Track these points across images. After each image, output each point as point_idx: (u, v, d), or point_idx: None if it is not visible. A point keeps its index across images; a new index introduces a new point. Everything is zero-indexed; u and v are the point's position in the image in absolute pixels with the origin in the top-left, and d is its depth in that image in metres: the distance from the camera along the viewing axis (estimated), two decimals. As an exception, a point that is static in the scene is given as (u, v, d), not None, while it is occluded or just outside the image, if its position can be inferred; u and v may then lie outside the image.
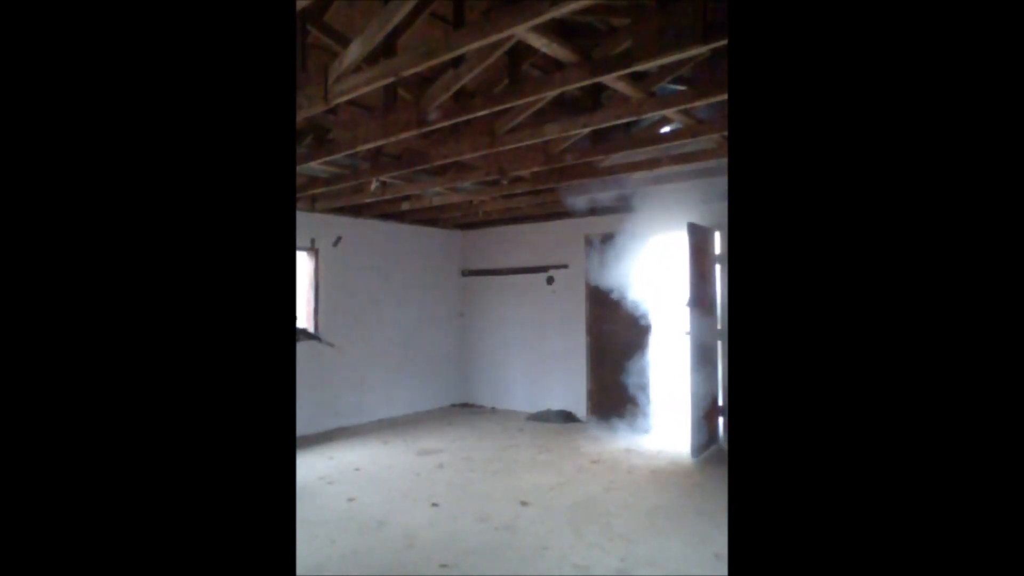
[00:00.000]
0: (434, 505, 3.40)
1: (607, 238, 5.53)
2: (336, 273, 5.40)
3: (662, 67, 2.43)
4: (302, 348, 4.99)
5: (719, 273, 4.74)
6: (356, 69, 2.26)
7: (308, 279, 5.27)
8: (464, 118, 2.63)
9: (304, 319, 5.24)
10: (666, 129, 3.31)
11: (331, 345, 5.16)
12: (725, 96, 2.20)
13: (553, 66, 2.40)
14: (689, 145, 3.33)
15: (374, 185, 4.34)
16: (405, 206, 5.06)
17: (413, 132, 2.68)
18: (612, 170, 3.81)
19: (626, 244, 5.46)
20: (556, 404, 5.83)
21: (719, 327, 4.65)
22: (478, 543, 2.87)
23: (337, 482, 3.85)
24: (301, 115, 2.50)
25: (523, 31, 1.84)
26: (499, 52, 2.21)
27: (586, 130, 2.87)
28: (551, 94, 2.42)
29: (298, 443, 4.71)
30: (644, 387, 5.19)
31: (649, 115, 2.61)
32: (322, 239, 5.27)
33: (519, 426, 5.50)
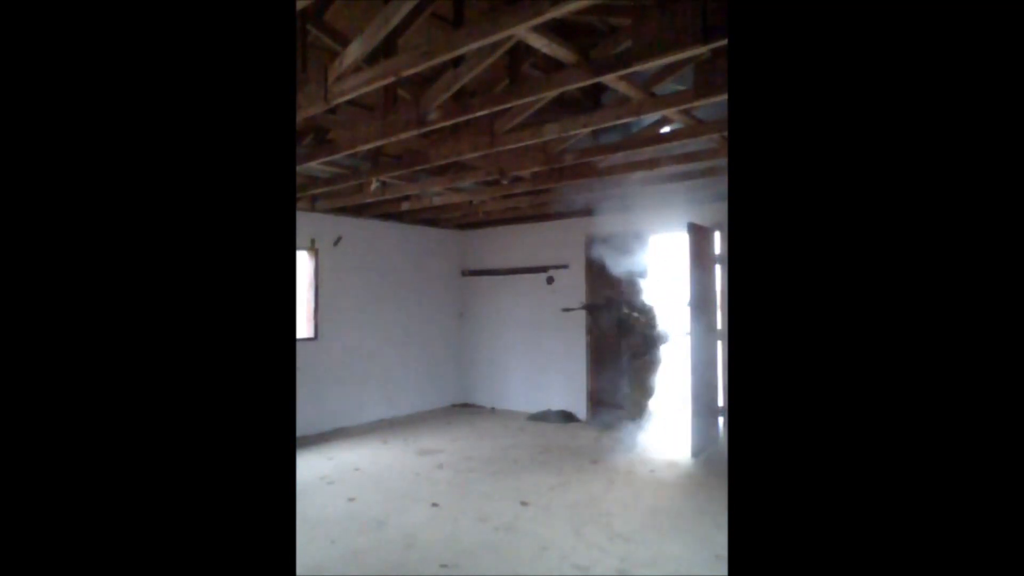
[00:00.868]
0: (434, 505, 3.40)
1: (607, 238, 5.53)
2: (336, 273, 5.40)
3: (663, 67, 2.43)
4: (302, 348, 4.99)
5: (719, 273, 4.74)
6: (356, 69, 2.26)
7: (308, 279, 5.27)
8: (464, 118, 2.63)
9: (304, 319, 5.24)
10: (666, 129, 3.31)
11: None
12: (725, 96, 2.20)
13: (553, 66, 2.40)
14: (689, 145, 3.33)
15: (374, 185, 4.34)
16: (405, 206, 5.06)
17: (413, 132, 2.68)
18: (612, 170, 3.81)
19: (626, 244, 5.46)
20: (556, 404, 5.83)
21: (719, 327, 4.65)
22: (478, 543, 2.87)
23: (337, 482, 3.85)
24: (301, 115, 2.50)
25: (523, 31, 1.84)
26: (499, 52, 2.20)
27: (586, 130, 2.87)
28: (551, 94, 2.42)
29: (298, 443, 4.71)
30: (644, 387, 5.18)
31: (649, 115, 2.61)
32: (322, 239, 5.27)
33: (519, 426, 5.50)
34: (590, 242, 5.66)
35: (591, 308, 5.28)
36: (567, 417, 5.63)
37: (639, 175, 3.96)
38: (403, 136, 2.75)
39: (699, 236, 4.46)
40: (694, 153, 3.42)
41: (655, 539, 2.90)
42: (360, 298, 5.62)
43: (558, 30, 2.09)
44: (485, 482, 3.84)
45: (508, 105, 2.47)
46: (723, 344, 4.65)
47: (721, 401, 4.71)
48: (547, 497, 3.53)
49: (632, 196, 4.66)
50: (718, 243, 4.77)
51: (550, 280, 5.94)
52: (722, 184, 4.14)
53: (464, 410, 6.36)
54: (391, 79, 2.18)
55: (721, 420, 4.72)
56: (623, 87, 2.34)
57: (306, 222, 5.04)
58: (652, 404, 5.13)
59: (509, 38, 1.98)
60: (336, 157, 3.29)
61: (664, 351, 4.99)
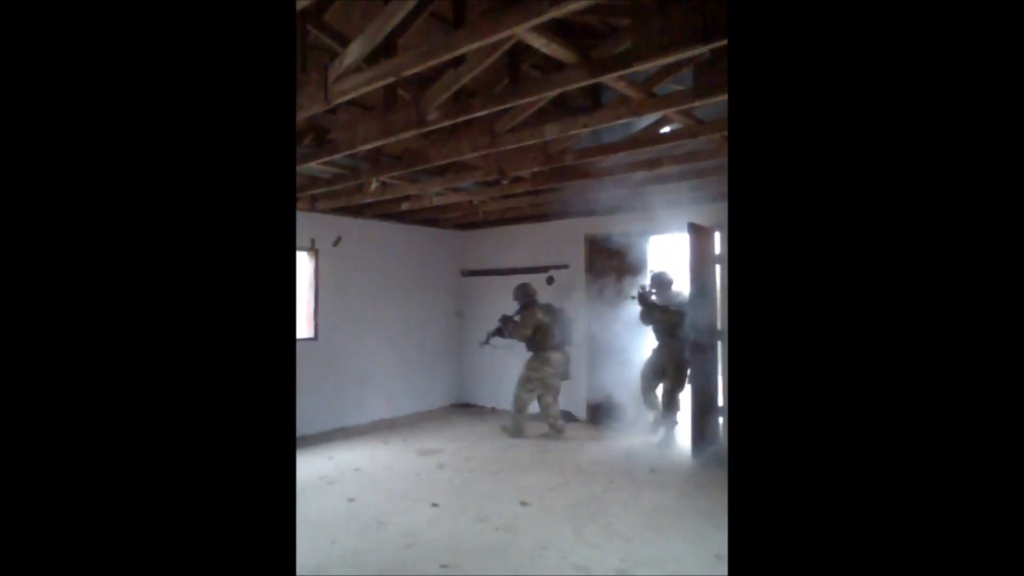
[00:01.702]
0: (434, 505, 3.40)
1: (607, 238, 5.53)
2: (336, 273, 5.40)
3: (662, 67, 2.43)
4: (302, 348, 4.99)
5: (719, 273, 4.73)
6: (356, 69, 2.26)
7: (308, 279, 5.27)
8: (464, 118, 2.62)
9: (304, 319, 5.24)
10: (666, 129, 3.31)
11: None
12: (725, 96, 2.20)
13: (553, 66, 2.40)
14: (689, 145, 3.33)
15: (374, 185, 4.34)
16: (405, 206, 5.05)
17: (413, 132, 2.68)
18: (612, 170, 3.81)
19: (626, 244, 5.46)
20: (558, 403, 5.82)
21: (719, 327, 4.65)
22: (478, 543, 2.87)
23: (337, 482, 3.85)
24: (301, 115, 2.50)
25: (523, 31, 1.84)
26: (499, 52, 2.20)
27: (586, 130, 2.87)
28: (551, 94, 2.42)
29: (298, 443, 4.71)
30: (644, 387, 5.18)
31: (649, 115, 2.61)
32: (322, 239, 5.27)
33: (519, 426, 5.49)
34: (590, 242, 5.66)
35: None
36: (567, 417, 5.62)
37: (639, 175, 3.96)
38: (403, 136, 2.75)
39: (699, 236, 4.46)
40: (694, 153, 3.42)
41: (655, 539, 2.90)
42: (360, 298, 5.62)
43: (558, 30, 2.09)
44: (485, 482, 3.84)
45: (508, 105, 2.47)
46: (723, 344, 4.65)
47: (721, 401, 4.71)
48: (547, 497, 3.53)
49: (632, 196, 4.66)
50: (718, 243, 4.76)
51: (550, 280, 5.93)
52: (722, 184, 4.14)
53: (464, 410, 6.35)
54: (391, 79, 2.18)
55: (721, 420, 4.72)
56: (623, 87, 2.34)
57: (306, 222, 5.04)
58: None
59: (509, 38, 1.98)
60: (336, 157, 3.29)
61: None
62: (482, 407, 6.47)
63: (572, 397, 5.76)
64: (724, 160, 3.38)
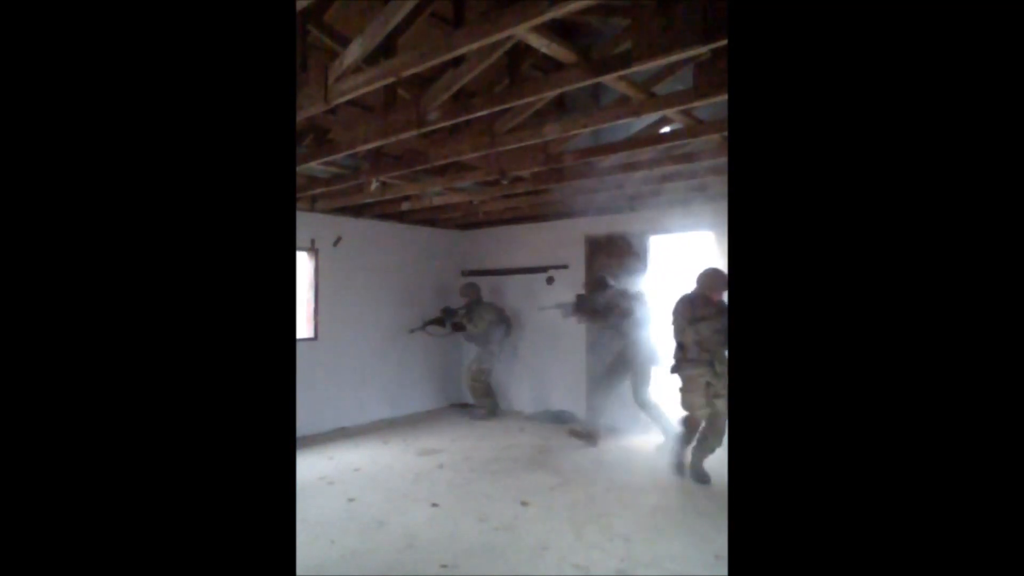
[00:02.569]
0: (434, 505, 3.40)
1: (607, 238, 5.53)
2: (336, 273, 5.40)
3: (663, 67, 2.43)
4: (302, 348, 4.99)
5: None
6: (356, 69, 2.26)
7: (308, 279, 5.26)
8: (464, 118, 2.62)
9: (304, 319, 5.24)
10: (666, 129, 3.31)
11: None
12: (725, 96, 2.20)
13: (553, 66, 2.40)
14: (689, 145, 3.33)
15: (374, 185, 4.34)
16: (405, 206, 5.05)
17: (413, 132, 2.68)
18: (612, 170, 3.81)
19: (626, 244, 5.46)
20: (556, 404, 5.83)
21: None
22: (478, 543, 2.87)
23: (337, 482, 3.85)
24: (301, 115, 2.50)
25: (523, 31, 1.84)
26: (499, 52, 2.20)
27: (586, 130, 2.87)
28: (551, 94, 2.42)
29: (298, 443, 4.71)
30: (644, 387, 5.18)
31: (649, 115, 2.61)
32: (322, 239, 5.27)
33: (519, 426, 5.50)
34: (590, 242, 5.66)
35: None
36: (567, 417, 5.63)
37: (639, 175, 3.96)
38: (403, 136, 2.74)
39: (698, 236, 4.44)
40: (694, 153, 3.42)
41: (655, 539, 2.90)
42: (360, 298, 5.62)
43: (558, 30, 2.09)
44: (485, 482, 3.84)
45: (508, 105, 2.47)
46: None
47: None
48: (547, 497, 3.53)
49: (632, 196, 4.65)
50: (717, 243, 4.76)
51: (550, 280, 5.93)
52: (722, 184, 4.14)
53: (464, 410, 6.35)
54: (391, 79, 2.18)
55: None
56: (623, 87, 2.34)
57: (306, 222, 5.04)
58: (652, 404, 5.11)
59: (509, 38, 1.98)
60: (336, 157, 3.29)
61: (663, 351, 4.94)
62: (482, 407, 6.46)
63: (573, 397, 5.76)
64: (724, 160, 3.38)
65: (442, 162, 3.35)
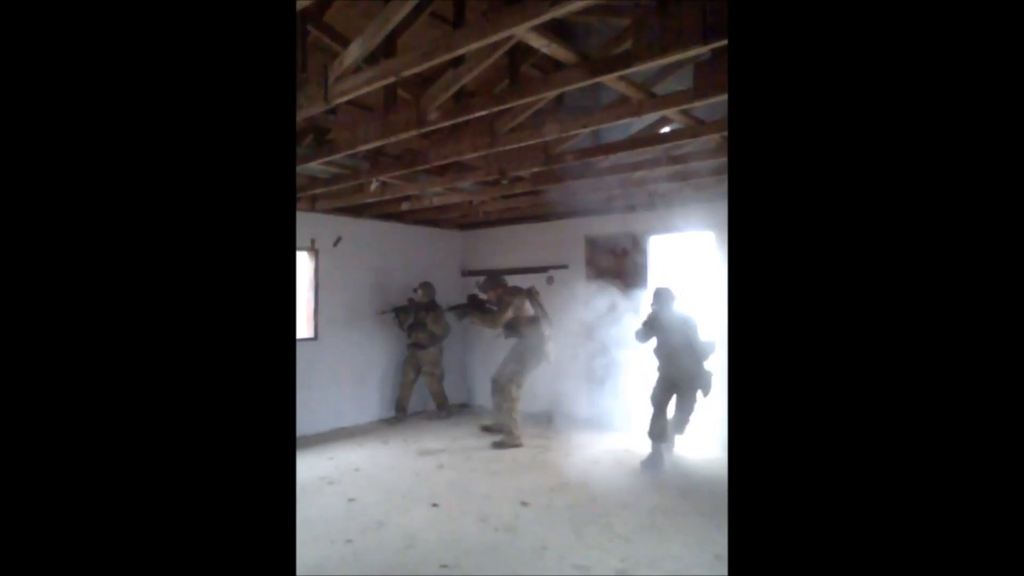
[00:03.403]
0: (434, 505, 3.40)
1: (607, 238, 5.53)
2: (336, 273, 5.40)
3: (663, 67, 2.43)
4: (302, 348, 4.99)
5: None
6: (356, 69, 2.26)
7: (308, 279, 5.26)
8: (464, 118, 2.62)
9: (304, 319, 5.24)
10: (666, 129, 3.31)
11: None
12: (725, 96, 2.20)
13: (553, 66, 2.40)
14: (689, 145, 3.33)
15: (374, 185, 4.34)
16: (405, 206, 5.05)
17: (413, 132, 2.68)
18: (612, 170, 3.81)
19: (626, 244, 5.46)
20: (557, 404, 5.82)
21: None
22: (478, 543, 2.87)
23: (337, 482, 3.85)
24: (301, 115, 2.50)
25: (523, 31, 1.84)
26: (499, 52, 2.20)
27: (586, 130, 2.87)
28: (551, 94, 2.42)
29: (298, 443, 4.71)
30: (644, 387, 5.18)
31: (649, 115, 2.61)
32: (322, 239, 5.27)
33: (519, 426, 5.49)
34: (590, 242, 5.66)
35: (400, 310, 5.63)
36: (568, 417, 5.62)
37: (639, 175, 3.96)
38: (403, 136, 2.75)
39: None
40: (694, 153, 3.42)
41: (655, 539, 2.90)
42: (360, 298, 5.62)
43: (558, 30, 2.09)
44: (485, 482, 3.84)
45: (508, 105, 2.47)
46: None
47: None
48: (547, 497, 3.53)
49: (632, 196, 4.65)
50: (717, 244, 4.76)
51: (550, 280, 5.93)
52: (722, 184, 4.14)
53: (464, 410, 6.35)
54: (391, 79, 2.18)
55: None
56: (623, 87, 2.34)
57: (306, 222, 5.04)
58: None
59: (509, 38, 1.98)
60: (336, 157, 3.29)
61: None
62: (483, 407, 6.46)
63: (573, 397, 5.75)
64: (724, 160, 3.37)
65: (442, 162, 3.35)
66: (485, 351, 6.52)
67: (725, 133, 2.85)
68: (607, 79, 2.16)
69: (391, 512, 3.29)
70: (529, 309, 4.95)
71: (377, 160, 3.81)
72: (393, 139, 2.80)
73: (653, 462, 4.11)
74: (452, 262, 6.69)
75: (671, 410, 4.31)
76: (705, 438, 4.63)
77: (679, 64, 2.41)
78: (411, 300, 5.80)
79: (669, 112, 2.60)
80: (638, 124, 3.31)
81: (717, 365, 4.23)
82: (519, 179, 4.11)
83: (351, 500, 3.50)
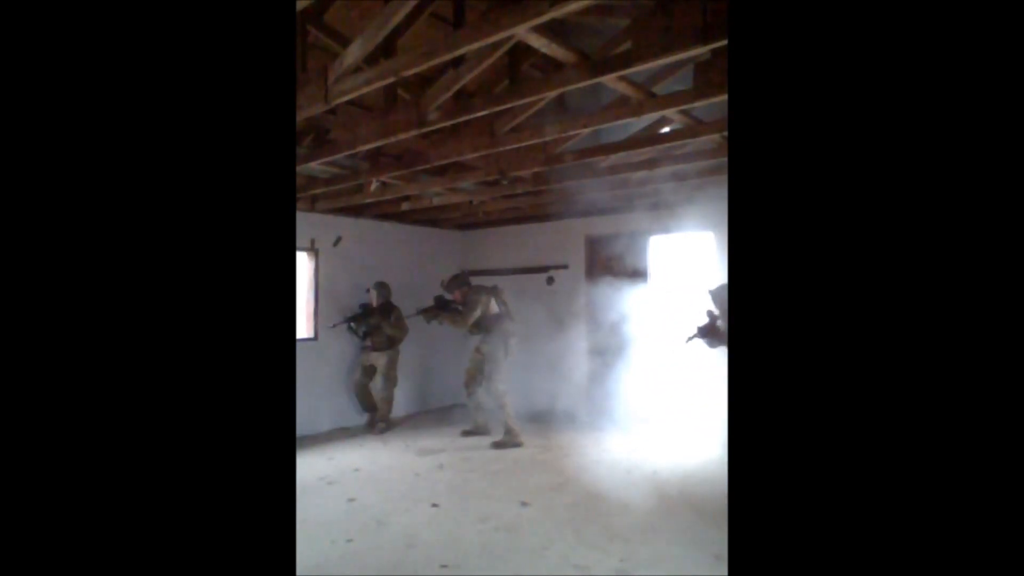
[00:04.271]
0: (434, 505, 3.40)
1: (607, 238, 5.53)
2: (336, 273, 5.40)
3: (663, 67, 2.43)
4: (302, 348, 4.99)
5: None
6: (356, 69, 2.26)
7: (308, 279, 5.26)
8: (464, 118, 2.63)
9: (304, 319, 5.23)
10: (666, 129, 3.31)
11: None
12: (725, 96, 2.20)
13: (553, 66, 2.40)
14: (689, 145, 3.33)
15: (374, 185, 4.34)
16: (405, 206, 5.06)
17: (413, 132, 2.68)
18: (612, 170, 3.81)
19: (626, 244, 5.46)
20: (556, 404, 5.82)
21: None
22: (478, 543, 2.87)
23: (337, 482, 3.85)
24: (301, 115, 2.50)
25: (523, 31, 1.84)
26: (499, 52, 2.21)
27: (586, 130, 2.87)
28: (551, 94, 2.42)
29: (298, 443, 4.71)
30: (645, 387, 5.18)
31: (649, 115, 2.61)
32: (322, 239, 5.27)
33: (520, 426, 5.49)
34: (590, 242, 5.66)
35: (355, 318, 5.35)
36: (568, 417, 5.63)
37: (639, 175, 3.96)
38: (403, 136, 2.75)
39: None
40: (694, 153, 3.43)
41: (655, 539, 2.90)
42: (360, 298, 5.62)
43: (558, 30, 2.09)
44: (485, 482, 3.84)
45: (508, 105, 2.47)
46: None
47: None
48: (547, 497, 3.53)
49: (632, 196, 4.65)
50: (716, 244, 4.76)
51: (550, 280, 5.93)
52: (722, 184, 4.14)
53: (465, 410, 6.35)
54: (391, 79, 2.18)
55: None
56: (623, 87, 2.34)
57: (306, 222, 5.04)
58: (652, 405, 5.12)
59: (509, 38, 1.98)
60: (336, 157, 3.29)
61: (663, 351, 4.93)
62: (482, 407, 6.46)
63: (573, 397, 5.75)
64: (724, 160, 3.37)
65: (442, 162, 3.36)
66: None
67: (725, 133, 2.85)
68: (607, 79, 2.17)
69: (391, 512, 3.29)
70: (495, 307, 4.95)
71: (377, 160, 3.81)
72: (393, 139, 2.80)
73: None
74: (452, 262, 6.69)
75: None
76: (705, 438, 4.63)
77: (679, 64, 2.41)
78: (364, 305, 5.38)
79: (669, 112, 2.60)
80: (638, 124, 3.32)
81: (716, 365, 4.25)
82: (519, 179, 4.11)
83: (351, 500, 3.50)
